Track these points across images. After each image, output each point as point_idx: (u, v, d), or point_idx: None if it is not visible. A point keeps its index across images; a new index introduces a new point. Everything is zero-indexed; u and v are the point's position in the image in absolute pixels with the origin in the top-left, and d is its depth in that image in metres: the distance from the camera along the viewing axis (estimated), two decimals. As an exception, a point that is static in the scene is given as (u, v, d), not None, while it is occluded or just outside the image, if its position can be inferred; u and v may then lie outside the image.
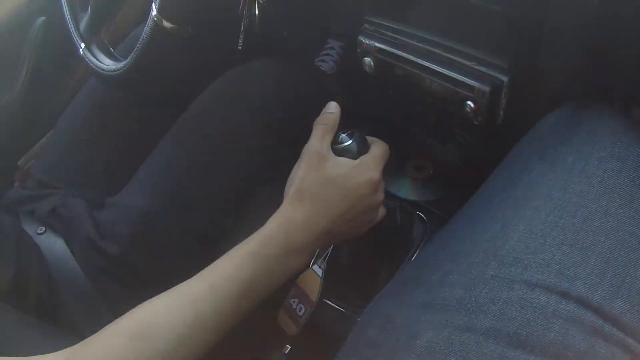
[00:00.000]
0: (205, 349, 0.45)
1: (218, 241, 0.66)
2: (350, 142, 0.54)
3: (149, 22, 0.56)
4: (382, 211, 0.57)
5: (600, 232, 0.39)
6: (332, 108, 0.56)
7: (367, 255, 0.70)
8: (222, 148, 0.69)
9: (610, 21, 0.45)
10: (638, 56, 0.44)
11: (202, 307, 0.45)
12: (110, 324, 0.43)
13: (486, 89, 0.54)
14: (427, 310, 0.39)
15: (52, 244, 0.61)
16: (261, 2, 0.73)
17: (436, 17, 0.57)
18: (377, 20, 0.62)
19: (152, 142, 0.72)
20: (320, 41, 0.99)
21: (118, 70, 0.62)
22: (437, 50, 0.57)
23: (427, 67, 0.58)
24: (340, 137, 0.55)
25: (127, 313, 0.44)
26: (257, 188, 0.70)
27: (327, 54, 1.03)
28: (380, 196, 0.55)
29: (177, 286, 0.46)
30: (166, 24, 0.58)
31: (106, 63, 0.64)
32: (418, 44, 0.59)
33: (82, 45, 0.65)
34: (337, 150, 0.54)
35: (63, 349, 0.41)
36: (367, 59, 0.65)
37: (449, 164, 0.77)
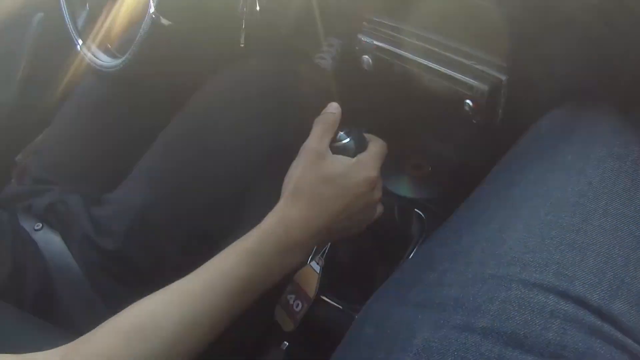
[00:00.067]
0: (202, 346, 0.45)
1: (215, 238, 0.66)
2: (347, 140, 0.54)
3: (147, 19, 0.56)
4: (379, 209, 0.57)
5: (599, 232, 0.38)
6: (334, 108, 0.56)
7: (365, 252, 0.70)
8: (220, 145, 0.69)
9: (610, 20, 0.45)
10: (637, 55, 0.44)
11: (199, 304, 0.45)
12: (106, 321, 0.43)
13: (485, 87, 0.54)
14: (424, 309, 0.39)
15: (50, 240, 0.61)
16: (262, -2, 0.73)
17: (435, 16, 0.57)
18: (376, 19, 0.62)
19: (150, 139, 0.71)
20: (319, 39, 0.98)
21: (116, 66, 0.61)
22: (435, 49, 0.57)
23: (426, 65, 0.58)
24: (338, 135, 0.55)
25: (123, 311, 0.44)
26: (255, 185, 0.70)
27: (327, 51, 1.03)
28: (378, 194, 0.55)
29: (173, 283, 0.46)
30: (164, 21, 0.57)
31: (104, 59, 0.64)
32: (417, 42, 0.59)
33: (80, 41, 0.65)
34: (335, 148, 0.54)
35: (59, 345, 0.41)
36: (365, 57, 0.65)
37: (447, 162, 0.77)
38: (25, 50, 0.84)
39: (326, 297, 0.65)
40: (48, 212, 0.64)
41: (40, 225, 0.62)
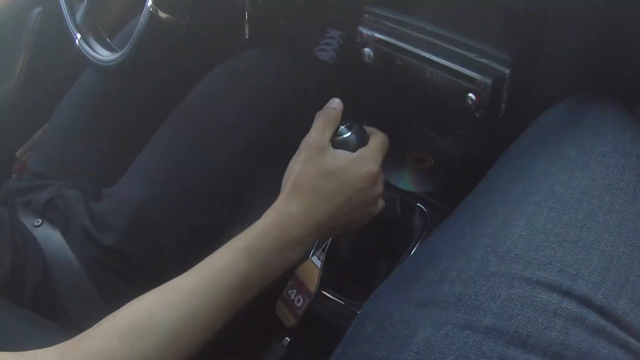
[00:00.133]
0: (201, 343, 0.45)
1: (215, 232, 0.66)
2: (349, 134, 0.54)
3: (145, 12, 0.55)
4: (381, 203, 0.56)
5: (603, 229, 0.38)
6: (336, 104, 0.55)
7: (366, 247, 0.69)
8: (219, 138, 0.68)
9: (614, 13, 0.44)
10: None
11: (197, 302, 0.44)
12: (104, 319, 0.43)
13: (488, 81, 0.53)
14: (426, 307, 0.39)
15: (49, 236, 0.61)
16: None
17: (437, 8, 0.56)
18: (377, 11, 0.61)
19: (149, 133, 0.71)
20: (320, 31, 0.98)
21: (114, 61, 0.61)
22: (438, 42, 0.57)
23: (428, 58, 0.58)
24: (339, 129, 0.54)
25: (121, 309, 0.44)
26: (255, 179, 0.70)
27: (327, 43, 1.02)
28: (379, 189, 0.54)
29: (171, 281, 0.46)
30: (162, 14, 0.57)
31: (102, 54, 0.63)
32: (419, 35, 0.58)
33: (78, 36, 0.64)
34: (336, 142, 0.53)
35: (59, 342, 0.41)
36: (366, 50, 0.64)
37: (450, 156, 0.77)
38: (24, 45, 0.83)
39: (328, 292, 0.65)
40: (47, 208, 0.64)
41: (40, 221, 0.62)
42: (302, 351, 0.64)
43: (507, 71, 0.52)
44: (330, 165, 0.51)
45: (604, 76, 0.48)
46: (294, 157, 0.53)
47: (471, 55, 0.54)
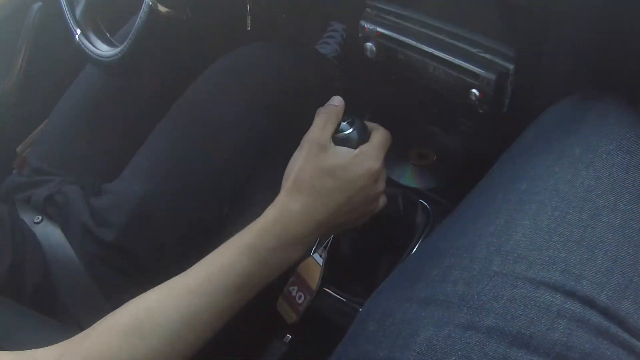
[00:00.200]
0: (202, 342, 0.44)
1: (215, 228, 0.65)
2: (350, 130, 0.53)
3: (144, 6, 0.55)
4: (382, 201, 0.56)
5: (607, 229, 0.37)
6: (337, 101, 0.54)
7: (369, 243, 0.69)
8: (219, 134, 0.68)
9: (619, 8, 0.43)
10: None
11: (197, 301, 0.44)
12: (104, 318, 0.43)
13: (492, 76, 0.52)
14: (428, 306, 0.38)
15: (49, 233, 0.61)
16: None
17: (441, 2, 0.56)
18: (379, 5, 0.61)
19: (150, 128, 0.71)
20: (321, 25, 0.97)
21: (113, 56, 0.60)
22: (441, 37, 0.56)
23: (431, 53, 0.57)
24: (341, 125, 0.54)
25: (121, 307, 0.44)
26: (255, 175, 0.69)
27: (331, 36, 1.01)
28: (381, 186, 0.54)
29: (171, 279, 0.46)
30: (161, 8, 0.56)
31: (102, 49, 0.63)
32: (422, 30, 0.57)
33: (78, 31, 0.64)
34: (337, 139, 0.53)
35: (59, 339, 0.41)
36: (369, 44, 0.63)
37: (452, 152, 0.76)
38: (24, 40, 0.83)
39: (329, 289, 0.65)
40: (47, 204, 0.64)
41: (40, 218, 0.62)
42: (303, 348, 0.64)
43: (511, 67, 0.51)
44: (331, 162, 0.50)
45: (606, 74, 0.47)
46: (295, 154, 0.53)
47: (475, 51, 0.53)
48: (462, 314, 0.36)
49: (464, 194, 0.49)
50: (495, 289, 0.36)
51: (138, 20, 0.56)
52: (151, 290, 0.45)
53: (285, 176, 0.52)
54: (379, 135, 0.54)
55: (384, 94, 0.77)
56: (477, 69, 0.53)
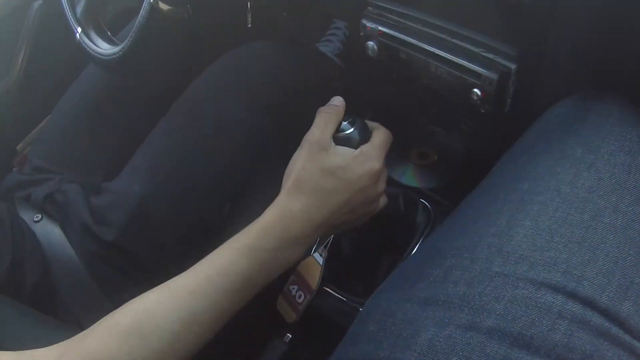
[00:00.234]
0: (202, 343, 0.44)
1: (215, 228, 0.65)
2: (351, 130, 0.53)
3: (145, 4, 0.55)
4: (383, 201, 0.56)
5: (609, 230, 0.37)
6: (338, 101, 0.54)
7: (369, 243, 0.69)
8: (220, 133, 0.68)
9: (621, 9, 0.43)
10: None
11: (197, 302, 0.44)
12: (104, 319, 0.43)
13: (494, 76, 0.52)
14: (429, 307, 0.38)
15: (49, 231, 0.61)
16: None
17: (442, 1, 0.55)
18: (381, 3, 0.60)
19: (151, 127, 0.71)
20: (322, 24, 0.97)
21: (114, 54, 0.60)
22: (443, 36, 0.56)
23: (433, 52, 0.57)
24: (342, 125, 0.53)
25: (121, 307, 0.44)
26: (255, 174, 0.69)
27: (333, 34, 1.01)
28: (382, 187, 0.54)
29: (171, 280, 0.46)
30: (163, 6, 0.56)
31: (103, 48, 0.62)
32: (423, 29, 0.57)
33: (79, 30, 0.64)
34: (338, 139, 0.53)
35: (59, 338, 0.41)
36: (370, 43, 0.63)
37: (454, 151, 0.76)
38: (25, 39, 0.83)
39: (329, 288, 0.65)
40: (47, 203, 0.64)
41: (40, 216, 0.62)
42: (303, 348, 0.64)
43: (513, 66, 0.51)
44: (332, 162, 0.50)
45: (607, 74, 0.47)
46: (296, 154, 0.52)
47: (477, 50, 0.53)
48: (463, 314, 0.36)
49: (464, 193, 0.49)
50: (497, 290, 0.36)
51: (139, 18, 0.56)
52: (151, 290, 0.45)
53: (285, 176, 0.52)
54: (379, 135, 0.54)
55: (385, 93, 0.77)
56: (479, 68, 0.53)
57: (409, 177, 0.74)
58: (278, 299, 0.65)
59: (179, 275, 0.46)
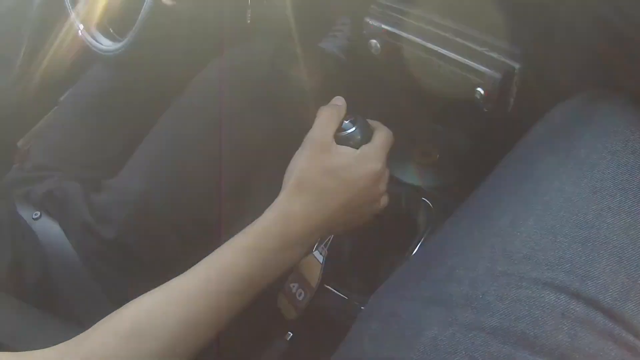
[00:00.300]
0: (202, 344, 0.44)
1: (215, 226, 0.65)
2: (353, 129, 0.53)
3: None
4: (384, 201, 0.55)
5: (613, 230, 0.37)
6: (339, 101, 0.54)
7: (371, 242, 0.69)
8: (220, 130, 0.67)
9: (628, 8, 0.43)
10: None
11: (197, 304, 0.44)
12: (104, 320, 0.43)
13: (497, 75, 0.52)
14: (433, 306, 0.38)
15: (48, 229, 0.60)
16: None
17: (446, 0, 0.55)
18: (384, 2, 0.60)
19: (153, 123, 0.70)
20: (326, 21, 0.96)
21: (117, 50, 0.60)
22: (446, 34, 0.55)
23: (436, 51, 0.56)
24: (343, 124, 0.53)
25: (121, 308, 0.43)
26: (256, 172, 0.69)
27: (339, 30, 1.00)
28: (383, 187, 0.54)
29: (171, 281, 0.45)
30: (166, 0, 0.56)
31: (105, 44, 0.62)
32: (427, 27, 0.57)
33: (81, 26, 0.63)
34: (340, 138, 0.52)
35: (60, 337, 0.41)
36: (373, 41, 0.63)
37: (456, 150, 0.76)
38: (26, 35, 0.82)
39: (331, 286, 0.65)
40: (46, 200, 0.63)
41: (39, 214, 0.61)
42: (304, 346, 0.64)
43: (517, 66, 0.51)
44: (333, 163, 0.50)
45: (616, 72, 0.47)
46: (297, 154, 0.52)
47: (480, 49, 0.53)
48: (466, 313, 0.36)
49: (467, 192, 0.49)
50: (500, 289, 0.36)
51: (142, 11, 0.56)
52: (150, 292, 0.45)
53: (286, 175, 0.52)
54: (381, 135, 0.54)
55: (388, 91, 0.77)
56: (482, 67, 0.53)
57: (411, 176, 0.74)
58: (278, 296, 0.65)
59: (179, 277, 0.46)
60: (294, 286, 0.65)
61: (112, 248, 0.60)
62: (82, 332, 0.42)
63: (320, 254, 0.64)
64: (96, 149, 0.72)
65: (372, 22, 0.62)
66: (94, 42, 0.63)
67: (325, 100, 0.55)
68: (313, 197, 0.49)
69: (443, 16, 0.56)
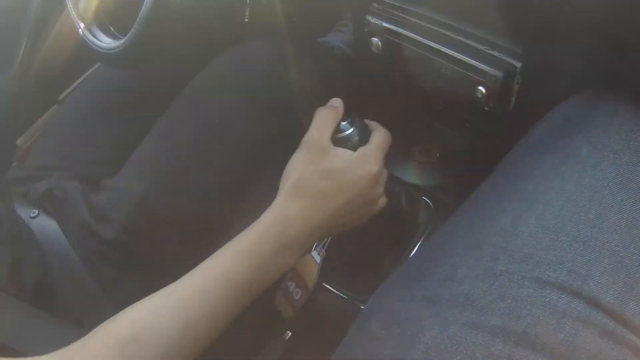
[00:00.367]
0: (200, 349, 0.44)
1: (216, 226, 0.65)
2: (350, 130, 0.53)
3: (149, -3, 0.54)
4: (382, 202, 0.55)
5: (614, 230, 0.37)
6: (336, 102, 0.54)
7: (371, 241, 0.69)
8: (220, 130, 0.67)
9: (629, 7, 0.43)
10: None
11: (193, 309, 0.44)
12: (102, 326, 0.42)
13: (499, 74, 0.52)
14: (433, 305, 0.38)
15: (45, 227, 0.60)
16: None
17: (448, -2, 0.55)
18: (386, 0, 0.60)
19: (153, 123, 0.70)
20: (328, 19, 0.96)
21: (117, 48, 0.60)
22: (448, 33, 0.55)
23: (438, 49, 0.56)
24: (341, 125, 0.53)
25: (118, 314, 0.43)
26: (257, 172, 0.69)
27: (345, 25, 1.00)
28: (380, 189, 0.53)
29: (167, 287, 0.45)
30: (166, -3, 0.56)
31: (105, 41, 0.62)
32: (428, 26, 0.57)
33: (82, 25, 0.63)
34: (338, 139, 0.52)
35: (59, 337, 0.41)
36: (374, 40, 0.63)
37: (457, 149, 0.76)
38: (25, 32, 0.82)
39: (331, 286, 0.65)
40: (45, 199, 0.63)
41: (36, 212, 0.61)
42: (304, 346, 0.64)
43: (519, 64, 0.51)
44: (330, 165, 0.50)
45: (618, 71, 0.47)
46: (294, 156, 0.52)
47: (482, 48, 0.53)
48: (467, 313, 0.36)
49: (467, 192, 0.49)
50: (501, 289, 0.36)
51: (143, 7, 0.56)
52: (148, 298, 0.44)
53: (283, 178, 0.51)
54: (379, 136, 0.54)
55: (388, 89, 0.77)
56: (484, 66, 0.53)
57: (411, 175, 0.74)
58: (276, 294, 0.65)
59: (176, 282, 0.45)
60: (291, 285, 0.64)
61: (111, 248, 0.60)
62: (81, 332, 0.42)
63: (318, 254, 0.64)
64: (97, 147, 0.71)
65: (373, 20, 0.62)
66: (94, 40, 0.63)
67: (325, 100, 0.55)
68: (310, 200, 0.49)
69: (444, 14, 0.56)
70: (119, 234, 0.60)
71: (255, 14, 0.72)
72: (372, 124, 0.56)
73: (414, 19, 0.58)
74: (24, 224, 0.60)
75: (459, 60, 0.55)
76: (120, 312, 0.43)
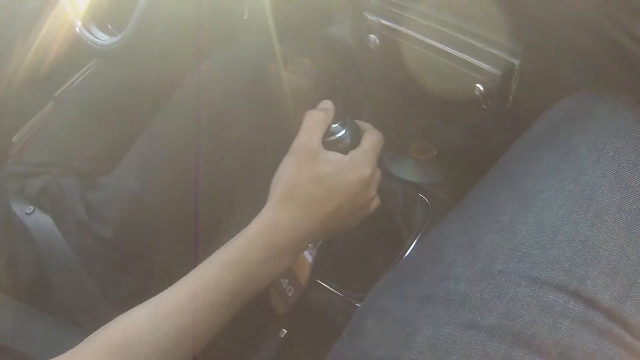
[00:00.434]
0: (193, 355, 0.44)
1: (211, 225, 0.65)
2: (342, 132, 0.52)
3: (145, -6, 0.54)
4: (374, 204, 0.55)
5: (612, 230, 0.37)
6: (327, 105, 0.53)
7: (367, 238, 0.68)
8: (215, 129, 0.67)
9: (627, 4, 0.42)
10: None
11: (185, 318, 0.44)
12: (94, 335, 0.42)
13: (497, 72, 0.51)
14: (429, 304, 0.38)
15: (41, 224, 0.60)
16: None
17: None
18: (384, -4, 0.60)
19: (151, 120, 0.70)
20: (325, 17, 0.95)
21: (113, 44, 0.59)
22: (446, 30, 0.55)
23: (436, 46, 0.56)
24: (332, 127, 0.52)
25: (110, 323, 0.43)
26: (254, 171, 0.69)
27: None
28: (373, 192, 0.53)
29: (158, 295, 0.45)
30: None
31: (102, 38, 0.62)
32: (426, 23, 0.56)
33: (79, 23, 0.63)
34: (329, 142, 0.52)
35: (56, 336, 0.41)
36: (372, 36, 0.63)
37: (454, 147, 0.76)
38: (21, 29, 0.82)
39: (327, 284, 0.64)
40: (41, 196, 0.63)
41: (32, 208, 0.61)
42: (300, 343, 0.64)
43: (517, 62, 0.51)
44: (321, 170, 0.49)
45: (617, 68, 0.46)
46: (284, 161, 0.51)
47: (480, 45, 0.53)
48: (463, 312, 0.36)
49: (465, 189, 0.49)
50: (498, 288, 0.36)
51: (140, 4, 0.55)
52: (139, 306, 0.44)
53: (273, 184, 0.51)
54: (370, 139, 0.53)
55: (386, 86, 0.76)
56: (482, 63, 0.52)
57: (408, 172, 0.73)
58: (270, 289, 0.65)
59: (167, 290, 0.45)
60: (284, 281, 0.64)
61: (107, 247, 0.60)
62: (78, 331, 0.42)
63: (310, 254, 0.63)
64: (93, 145, 0.71)
65: (370, 16, 0.61)
66: (90, 36, 0.62)
67: (320, 99, 0.55)
68: (301, 206, 0.48)
69: (443, 12, 0.55)
70: (114, 232, 0.59)
71: (254, 12, 0.71)
72: (364, 125, 0.55)
73: (412, 16, 0.58)
74: (19, 220, 0.60)
75: (457, 57, 0.54)
76: (112, 320, 0.43)
